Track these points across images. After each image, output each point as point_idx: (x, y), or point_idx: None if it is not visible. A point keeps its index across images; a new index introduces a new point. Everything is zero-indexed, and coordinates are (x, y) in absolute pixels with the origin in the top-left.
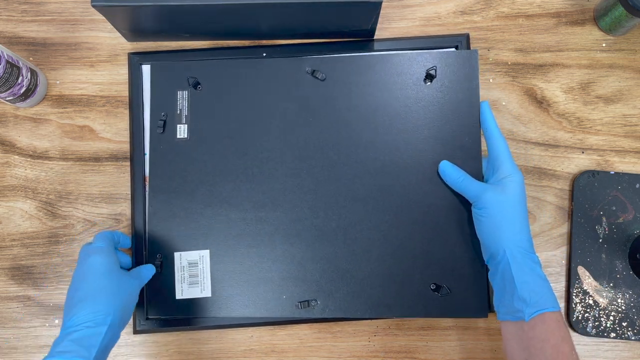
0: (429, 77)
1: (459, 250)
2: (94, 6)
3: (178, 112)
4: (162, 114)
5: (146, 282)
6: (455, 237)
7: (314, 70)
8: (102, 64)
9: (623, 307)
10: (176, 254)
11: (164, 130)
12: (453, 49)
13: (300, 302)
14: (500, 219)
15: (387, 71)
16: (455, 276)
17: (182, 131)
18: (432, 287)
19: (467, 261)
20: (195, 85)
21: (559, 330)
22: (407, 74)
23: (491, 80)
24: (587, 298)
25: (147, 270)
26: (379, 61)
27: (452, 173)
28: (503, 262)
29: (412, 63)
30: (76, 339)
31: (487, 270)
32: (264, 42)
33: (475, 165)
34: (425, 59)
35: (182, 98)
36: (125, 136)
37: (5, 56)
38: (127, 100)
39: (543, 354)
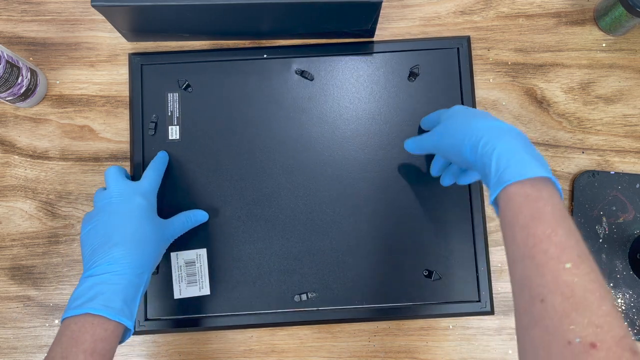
0: (413, 75)
1: (448, 238)
2: (94, 6)
3: (169, 113)
4: (153, 115)
5: (187, 230)
6: (443, 225)
7: (302, 71)
8: (102, 64)
9: (623, 307)
10: (172, 254)
11: (155, 132)
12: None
13: (298, 294)
14: (464, 118)
15: (373, 71)
16: (446, 263)
17: (173, 132)
18: (425, 273)
19: (456, 248)
20: (186, 87)
21: (527, 206)
22: (391, 73)
23: (491, 80)
24: None
25: (194, 218)
26: (366, 61)
27: (412, 141)
28: (483, 150)
29: (397, 62)
30: (121, 290)
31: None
32: (264, 42)
33: None
34: (409, 58)
35: (173, 100)
36: (125, 136)
37: (5, 56)
38: (127, 100)
39: (514, 243)
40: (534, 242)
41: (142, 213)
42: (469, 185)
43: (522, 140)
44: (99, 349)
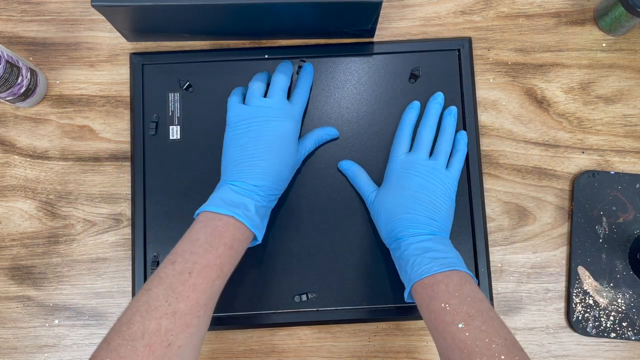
0: (413, 77)
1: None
2: (93, 6)
3: (170, 113)
4: (154, 115)
5: (316, 147)
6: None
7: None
8: (102, 64)
9: (623, 307)
10: None
11: (156, 132)
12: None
13: (298, 294)
14: (376, 220)
15: (374, 72)
16: None
17: (174, 132)
18: None
19: (456, 248)
20: (187, 87)
21: (425, 291)
22: (392, 74)
23: (491, 80)
24: (587, 298)
25: (324, 136)
26: (367, 62)
27: (349, 171)
28: (396, 250)
29: (397, 64)
30: (258, 208)
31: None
32: (265, 42)
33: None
34: (410, 59)
35: (174, 100)
36: (125, 136)
37: (5, 56)
38: (127, 100)
39: (426, 321)
40: (435, 316)
41: (292, 140)
42: (469, 185)
43: (429, 241)
44: (236, 246)
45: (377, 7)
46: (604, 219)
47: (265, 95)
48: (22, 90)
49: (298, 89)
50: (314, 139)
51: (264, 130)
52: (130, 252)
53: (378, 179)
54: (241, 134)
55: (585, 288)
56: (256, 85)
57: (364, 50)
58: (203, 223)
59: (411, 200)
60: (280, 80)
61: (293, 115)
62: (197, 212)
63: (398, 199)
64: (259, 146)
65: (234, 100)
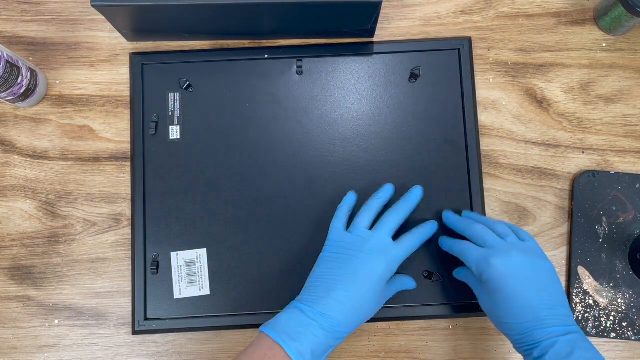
0: (414, 76)
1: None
2: (93, 6)
3: (170, 113)
4: (154, 115)
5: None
6: (444, 226)
7: (303, 71)
8: (102, 64)
9: (623, 307)
10: (172, 254)
11: (156, 132)
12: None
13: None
14: (523, 290)
15: (374, 72)
16: (446, 264)
17: (174, 132)
18: (425, 274)
19: None
20: (187, 86)
21: None
22: (392, 74)
23: (491, 80)
24: (587, 298)
25: (405, 284)
26: (367, 62)
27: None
28: (552, 350)
29: (398, 64)
30: (316, 345)
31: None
32: (265, 42)
33: (460, 159)
34: (410, 59)
35: (174, 100)
36: (125, 136)
37: (5, 56)
38: (127, 100)
39: None
40: None
41: (379, 279)
42: (469, 185)
43: (577, 346)
44: None
45: (377, 7)
46: (604, 219)
47: (371, 227)
48: (22, 90)
49: (412, 232)
50: (396, 285)
51: (355, 259)
52: (130, 252)
53: (379, 180)
54: (332, 257)
55: (585, 288)
56: (363, 217)
57: (363, 50)
58: (254, 348)
59: (546, 288)
60: (392, 220)
61: (390, 257)
62: (260, 328)
63: (527, 282)
64: (341, 272)
65: (336, 226)
